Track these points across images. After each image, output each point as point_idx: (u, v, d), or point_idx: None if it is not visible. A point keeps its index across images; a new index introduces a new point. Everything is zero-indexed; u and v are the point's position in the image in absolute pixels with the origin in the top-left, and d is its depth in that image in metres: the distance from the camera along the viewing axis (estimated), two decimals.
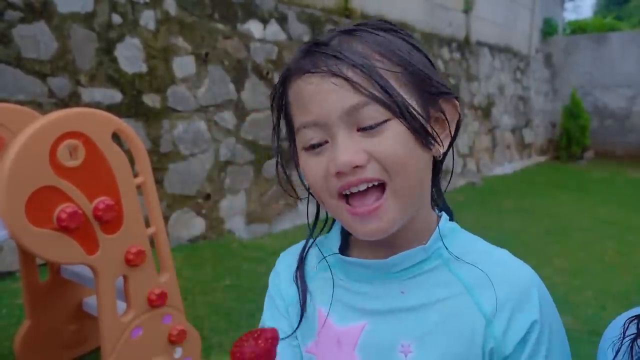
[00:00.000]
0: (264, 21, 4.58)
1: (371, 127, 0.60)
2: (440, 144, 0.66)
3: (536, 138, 10.68)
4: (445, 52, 7.55)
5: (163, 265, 1.91)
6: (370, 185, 0.61)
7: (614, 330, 0.64)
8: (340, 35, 0.64)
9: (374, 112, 0.60)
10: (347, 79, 0.59)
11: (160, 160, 3.80)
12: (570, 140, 10.63)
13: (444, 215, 0.72)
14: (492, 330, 0.63)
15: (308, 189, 0.70)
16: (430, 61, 0.67)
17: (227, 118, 4.30)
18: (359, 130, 0.61)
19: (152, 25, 3.74)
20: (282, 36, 4.75)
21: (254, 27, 4.49)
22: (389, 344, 0.66)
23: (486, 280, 0.64)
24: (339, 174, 0.61)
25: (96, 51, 3.42)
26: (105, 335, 1.72)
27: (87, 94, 3.36)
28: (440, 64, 7.29)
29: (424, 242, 0.67)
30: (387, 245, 0.68)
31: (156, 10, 3.76)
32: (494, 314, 0.63)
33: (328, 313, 0.71)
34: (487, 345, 0.63)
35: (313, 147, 0.63)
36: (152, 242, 1.84)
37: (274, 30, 4.67)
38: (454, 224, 0.72)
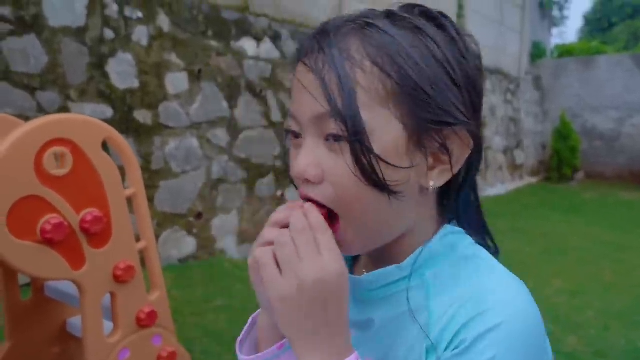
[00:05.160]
0: (258, 39, 4.56)
1: (334, 139, 0.55)
2: (394, 189, 0.54)
3: (527, 159, 10.72)
4: None
5: (153, 282, 1.81)
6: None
7: None
8: (348, 24, 0.56)
9: (338, 127, 0.54)
10: (322, 81, 0.54)
11: (151, 177, 3.70)
12: (561, 161, 10.68)
13: (444, 229, 0.62)
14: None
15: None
16: (452, 79, 0.55)
17: (220, 135, 4.23)
18: (326, 139, 0.56)
19: (145, 41, 3.69)
20: (275, 54, 4.73)
21: (247, 45, 4.46)
22: None
23: (457, 318, 0.54)
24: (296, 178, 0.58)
25: (87, 66, 3.36)
26: (90, 357, 1.61)
27: (76, 109, 3.28)
28: None
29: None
30: (384, 259, 0.62)
31: (149, 26, 3.72)
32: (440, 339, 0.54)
33: None
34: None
35: (294, 135, 0.60)
36: (142, 258, 1.75)
37: (267, 48, 4.65)
38: (456, 236, 0.61)
